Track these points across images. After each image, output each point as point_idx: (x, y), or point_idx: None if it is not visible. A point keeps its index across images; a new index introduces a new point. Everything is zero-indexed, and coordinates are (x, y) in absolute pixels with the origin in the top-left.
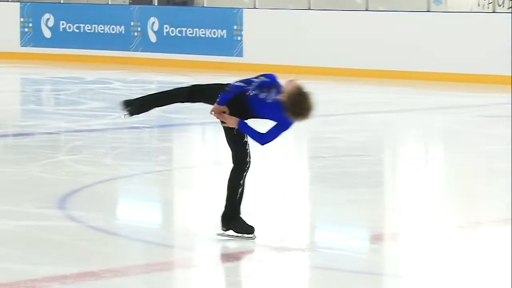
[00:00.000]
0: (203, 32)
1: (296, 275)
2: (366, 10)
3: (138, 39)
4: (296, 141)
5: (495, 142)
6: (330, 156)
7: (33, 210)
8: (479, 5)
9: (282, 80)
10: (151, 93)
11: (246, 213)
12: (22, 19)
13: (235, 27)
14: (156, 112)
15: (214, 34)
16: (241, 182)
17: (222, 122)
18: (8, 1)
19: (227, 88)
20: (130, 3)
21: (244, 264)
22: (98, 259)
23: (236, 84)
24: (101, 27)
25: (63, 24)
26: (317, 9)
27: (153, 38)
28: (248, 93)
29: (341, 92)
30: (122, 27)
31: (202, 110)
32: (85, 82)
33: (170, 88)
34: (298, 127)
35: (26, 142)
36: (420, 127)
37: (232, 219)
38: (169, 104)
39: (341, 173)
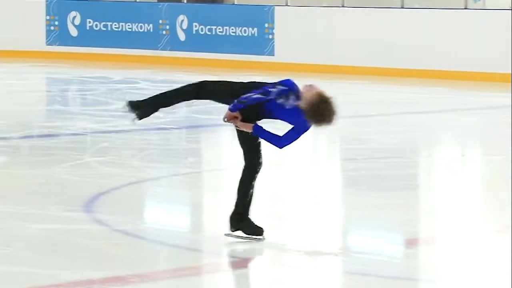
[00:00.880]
0: (234, 30)
1: (328, 281)
2: (402, 8)
3: (166, 37)
4: (328, 143)
5: None
6: (363, 158)
7: (58, 213)
8: None
9: (300, 84)
10: (157, 93)
11: (278, 217)
12: (48, 17)
13: (266, 25)
14: (184, 112)
15: (245, 33)
16: (253, 183)
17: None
18: None
19: (242, 100)
20: (158, 1)
21: (275, 268)
22: (125, 263)
23: (253, 97)
24: (128, 25)
25: (89, 22)
26: (351, 7)
27: (182, 36)
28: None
29: (374, 92)
30: (150, 25)
31: None
32: (112, 82)
33: (178, 87)
34: (330, 129)
35: (52, 144)
36: (454, 128)
37: (242, 220)
38: (179, 102)
39: (374, 176)
